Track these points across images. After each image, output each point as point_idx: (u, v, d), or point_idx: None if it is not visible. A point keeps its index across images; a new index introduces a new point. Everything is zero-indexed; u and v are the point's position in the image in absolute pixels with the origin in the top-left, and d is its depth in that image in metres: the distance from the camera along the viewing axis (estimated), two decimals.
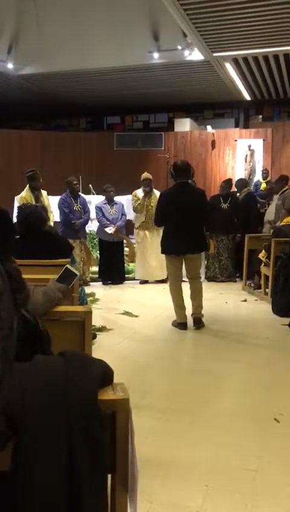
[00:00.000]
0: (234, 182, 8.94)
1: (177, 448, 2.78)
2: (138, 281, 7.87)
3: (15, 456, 1.23)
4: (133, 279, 8.02)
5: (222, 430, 2.99)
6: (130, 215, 8.38)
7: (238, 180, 9.16)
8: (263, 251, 6.61)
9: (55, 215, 7.58)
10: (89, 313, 2.32)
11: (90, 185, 9.37)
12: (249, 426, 3.04)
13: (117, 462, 1.31)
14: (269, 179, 9.98)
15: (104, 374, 1.37)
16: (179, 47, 8.68)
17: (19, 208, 4.24)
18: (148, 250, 7.60)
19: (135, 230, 7.96)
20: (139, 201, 7.65)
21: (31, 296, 2.14)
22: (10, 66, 9.68)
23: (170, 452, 2.72)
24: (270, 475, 2.49)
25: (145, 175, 7.82)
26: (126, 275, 8.05)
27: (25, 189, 7.32)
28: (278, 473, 2.52)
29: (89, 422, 1.25)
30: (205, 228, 5.41)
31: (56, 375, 1.31)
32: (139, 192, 7.73)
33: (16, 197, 7.40)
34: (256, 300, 6.66)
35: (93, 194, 9.17)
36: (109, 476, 1.35)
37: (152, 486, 2.36)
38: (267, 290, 6.54)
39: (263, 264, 6.65)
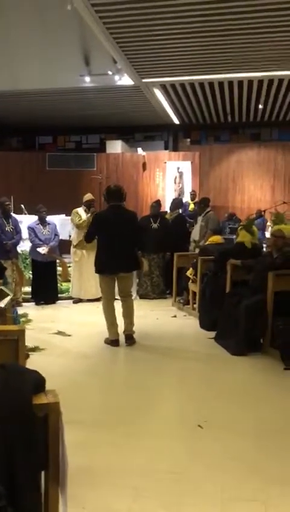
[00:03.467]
0: (163, 203, 9.28)
1: (110, 457, 2.92)
2: (72, 301, 7.94)
3: None
4: (67, 298, 8.07)
5: (153, 438, 3.17)
6: (64, 234, 8.46)
7: (175, 199, 9.57)
8: (191, 269, 6.92)
9: None
10: (23, 332, 2.42)
11: (22, 205, 9.39)
12: (178, 433, 3.26)
13: (50, 459, 1.46)
14: (196, 200, 10.44)
15: (37, 382, 1.52)
16: (110, 72, 8.97)
17: None
18: (85, 269, 7.68)
19: (72, 249, 8.03)
20: (83, 219, 7.67)
21: None
22: None
23: (102, 461, 2.86)
24: (193, 476, 2.70)
25: (89, 196, 7.91)
26: (59, 295, 8.10)
27: None
28: (199, 474, 2.73)
29: (25, 423, 1.39)
30: (137, 248, 5.63)
31: None
32: (81, 211, 7.81)
33: None
34: (185, 315, 6.95)
35: (25, 214, 9.19)
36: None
37: (84, 492, 2.49)
38: (195, 305, 6.84)
39: (190, 280, 6.96)
